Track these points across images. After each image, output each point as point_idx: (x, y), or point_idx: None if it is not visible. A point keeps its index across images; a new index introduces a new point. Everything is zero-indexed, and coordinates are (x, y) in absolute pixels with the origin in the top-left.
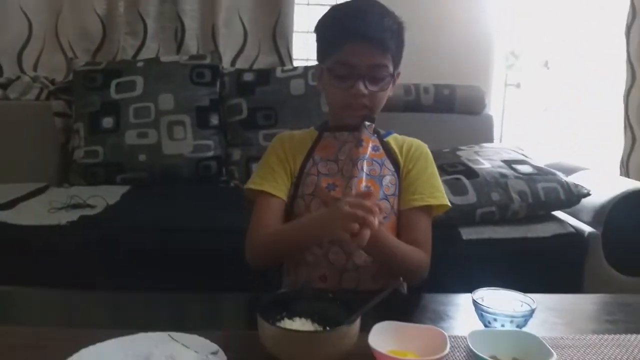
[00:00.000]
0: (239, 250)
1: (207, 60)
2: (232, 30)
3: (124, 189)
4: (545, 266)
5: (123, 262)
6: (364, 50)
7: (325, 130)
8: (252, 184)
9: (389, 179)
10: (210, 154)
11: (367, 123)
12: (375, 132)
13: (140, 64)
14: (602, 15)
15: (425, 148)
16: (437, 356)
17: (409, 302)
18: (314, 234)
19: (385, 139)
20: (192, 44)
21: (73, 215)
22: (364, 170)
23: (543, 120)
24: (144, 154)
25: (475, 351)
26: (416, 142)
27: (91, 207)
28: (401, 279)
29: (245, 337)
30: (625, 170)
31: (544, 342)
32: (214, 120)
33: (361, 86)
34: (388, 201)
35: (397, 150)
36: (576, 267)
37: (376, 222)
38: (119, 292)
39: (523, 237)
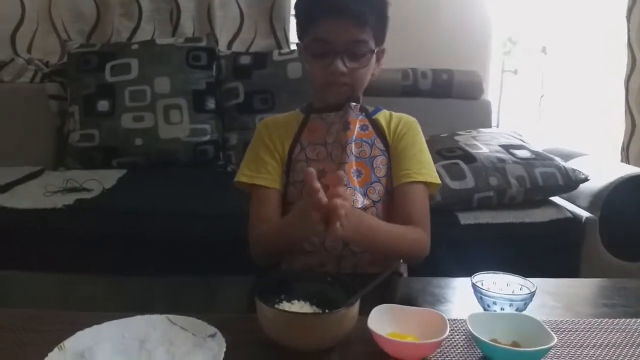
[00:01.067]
0: (237, 235)
1: (203, 43)
2: (228, 13)
3: (120, 172)
4: (543, 251)
5: (120, 246)
6: (340, 25)
7: (311, 112)
8: (244, 177)
9: (379, 159)
10: (207, 138)
11: (352, 104)
12: (363, 110)
13: (135, 47)
14: (602, 0)
15: (414, 123)
16: (437, 339)
17: (407, 286)
18: (295, 234)
19: (373, 117)
20: (187, 26)
21: (69, 199)
22: (353, 152)
23: (540, 106)
24: (140, 137)
25: (475, 334)
26: (405, 117)
27: (87, 190)
28: (401, 260)
29: (244, 320)
30: (626, 155)
31: (544, 325)
32: (211, 104)
33: (339, 64)
34: (380, 183)
35: (385, 128)
36: (573, 252)
37: (342, 210)
38: (116, 276)
39: (521, 222)
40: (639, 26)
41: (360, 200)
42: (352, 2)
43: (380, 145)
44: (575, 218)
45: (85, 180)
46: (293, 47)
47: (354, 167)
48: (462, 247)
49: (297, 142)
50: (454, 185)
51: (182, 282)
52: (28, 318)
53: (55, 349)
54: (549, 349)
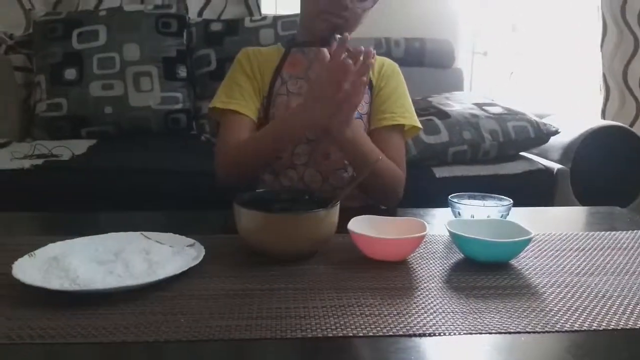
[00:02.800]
0: (210, 192)
1: (173, 10)
2: None
3: (90, 142)
4: (517, 203)
5: (91, 205)
6: None
7: (293, 45)
8: (219, 103)
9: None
10: (179, 106)
11: (337, 36)
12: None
13: (102, 13)
14: None
15: (397, 67)
16: (418, 234)
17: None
18: (282, 135)
19: None
20: None
21: (37, 162)
22: None
23: (511, 82)
24: (109, 106)
25: (454, 231)
26: (387, 60)
27: (56, 156)
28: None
29: (223, 237)
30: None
31: (522, 225)
32: (182, 72)
33: None
34: (362, 119)
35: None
36: (546, 203)
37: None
38: (93, 213)
39: (494, 174)
40: None
41: None
42: None
43: None
44: (547, 169)
45: (54, 147)
46: (265, 14)
47: None
48: (437, 200)
49: (277, 75)
50: (429, 139)
51: (158, 216)
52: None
53: (25, 256)
54: (528, 241)
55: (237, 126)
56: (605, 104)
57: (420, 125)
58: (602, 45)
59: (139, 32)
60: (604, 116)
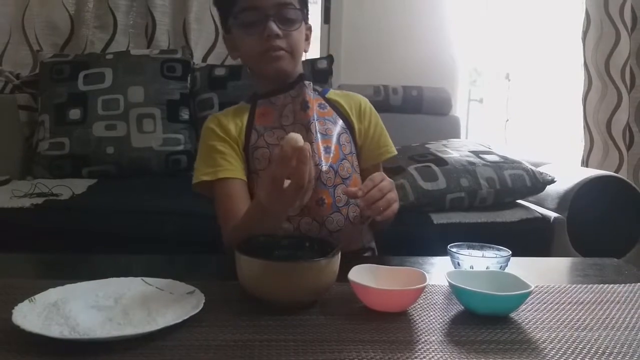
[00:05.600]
0: (211, 234)
1: (179, 55)
2: (203, 27)
3: (90, 181)
4: (514, 249)
5: (91, 245)
6: None
7: (258, 98)
8: (205, 176)
9: (344, 137)
10: (180, 147)
11: (306, 82)
12: (314, 90)
13: (109, 57)
14: (559, 24)
15: (368, 102)
16: (418, 286)
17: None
18: (268, 220)
19: (325, 96)
20: (162, 40)
21: (37, 200)
22: (318, 131)
23: (506, 130)
24: (111, 146)
25: (454, 283)
26: (362, 98)
27: (56, 195)
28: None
29: (223, 284)
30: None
31: (521, 278)
32: (185, 114)
33: (273, 26)
34: (347, 160)
35: (346, 107)
36: (543, 251)
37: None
38: (93, 256)
39: (492, 222)
40: (593, 47)
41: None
42: None
43: (341, 123)
44: (544, 218)
45: (54, 186)
46: None
47: (322, 145)
48: (435, 247)
49: (251, 129)
50: (427, 186)
51: (159, 260)
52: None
53: (26, 301)
54: (528, 294)
55: (233, 192)
56: (588, 154)
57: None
58: (585, 97)
59: (144, 75)
60: (586, 165)
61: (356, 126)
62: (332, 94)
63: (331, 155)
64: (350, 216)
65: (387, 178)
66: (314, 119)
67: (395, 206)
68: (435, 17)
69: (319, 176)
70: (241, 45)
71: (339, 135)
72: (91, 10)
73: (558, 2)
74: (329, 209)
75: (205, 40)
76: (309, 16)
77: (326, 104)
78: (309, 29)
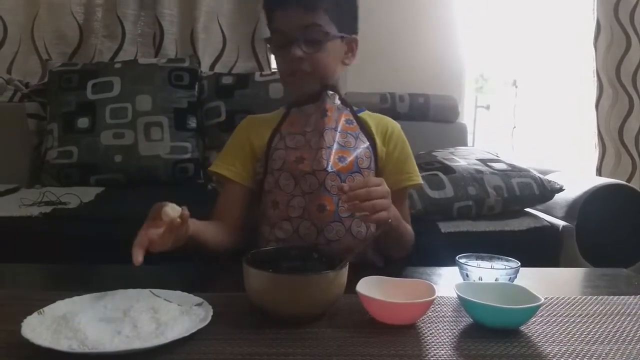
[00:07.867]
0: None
1: (186, 64)
2: (211, 36)
3: (98, 189)
4: (522, 259)
5: (99, 254)
6: (291, 13)
7: (293, 106)
8: (214, 166)
9: (363, 151)
10: (188, 156)
11: (329, 92)
12: (347, 105)
13: (118, 65)
14: (566, 30)
15: (398, 126)
16: (427, 299)
17: (392, 274)
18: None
19: (358, 114)
20: (170, 49)
21: (46, 209)
22: (337, 141)
23: (513, 137)
24: (119, 154)
25: (463, 296)
26: (391, 122)
27: (64, 203)
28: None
29: (231, 296)
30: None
31: (530, 290)
32: (192, 122)
33: (296, 49)
34: (361, 174)
35: (372, 127)
36: (551, 261)
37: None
38: (101, 266)
39: (500, 231)
40: (604, 53)
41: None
42: None
43: (364, 139)
44: (553, 226)
45: (63, 195)
46: (274, 69)
47: (337, 155)
48: (443, 256)
49: (276, 132)
50: (434, 194)
51: (167, 269)
52: (7, 297)
53: (35, 313)
54: (538, 307)
55: (225, 193)
56: (601, 161)
57: (422, 182)
58: (597, 104)
59: (152, 84)
60: (599, 173)
61: (379, 147)
62: (366, 114)
63: (344, 165)
64: (353, 230)
65: (386, 187)
66: (329, 128)
67: (384, 215)
68: (442, 24)
69: (323, 182)
70: (276, 63)
71: (357, 148)
72: (100, 20)
73: (565, 8)
74: (330, 217)
75: (212, 49)
76: (353, 26)
77: (354, 120)
78: (353, 41)
